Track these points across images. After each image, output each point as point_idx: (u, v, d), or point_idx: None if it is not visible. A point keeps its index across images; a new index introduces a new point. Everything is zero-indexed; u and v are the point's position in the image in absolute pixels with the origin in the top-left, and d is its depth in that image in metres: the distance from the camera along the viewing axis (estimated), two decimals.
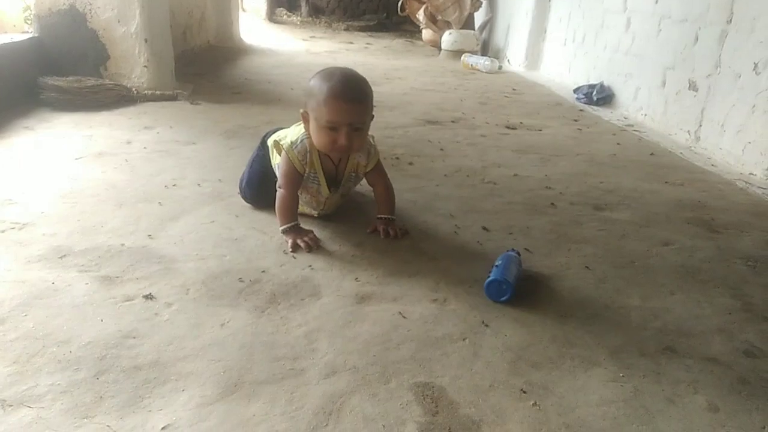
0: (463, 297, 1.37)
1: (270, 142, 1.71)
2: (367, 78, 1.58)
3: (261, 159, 1.75)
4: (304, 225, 1.61)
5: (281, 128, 1.77)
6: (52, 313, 1.18)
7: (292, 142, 1.59)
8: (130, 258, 1.42)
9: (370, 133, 1.66)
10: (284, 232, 1.57)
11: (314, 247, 1.54)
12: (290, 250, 1.52)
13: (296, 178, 1.59)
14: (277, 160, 1.66)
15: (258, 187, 1.75)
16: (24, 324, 1.13)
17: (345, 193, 1.73)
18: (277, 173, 1.66)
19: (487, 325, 1.26)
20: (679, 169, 2.55)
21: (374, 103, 1.58)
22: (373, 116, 1.59)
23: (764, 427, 1.03)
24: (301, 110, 1.57)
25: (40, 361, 1.03)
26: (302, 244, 1.53)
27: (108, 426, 0.90)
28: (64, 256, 1.41)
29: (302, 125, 1.61)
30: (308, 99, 1.53)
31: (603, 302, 1.40)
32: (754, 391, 1.12)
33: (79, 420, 0.91)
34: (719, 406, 1.07)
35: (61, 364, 1.03)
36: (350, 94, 1.49)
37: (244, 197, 1.79)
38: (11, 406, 0.92)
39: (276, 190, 1.62)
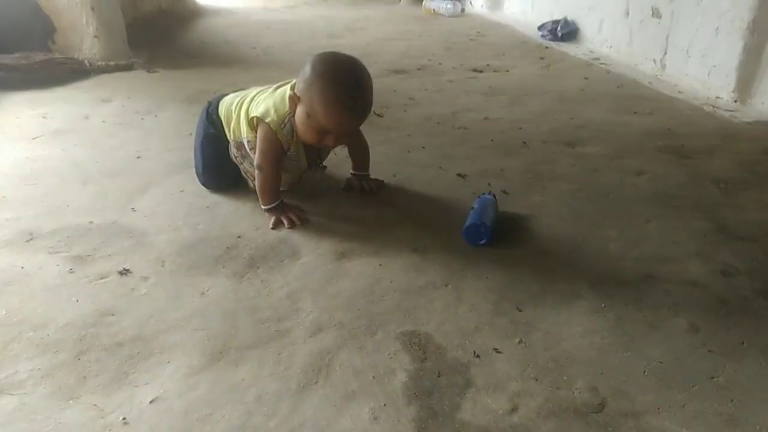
0: (443, 244, 1.36)
1: (235, 112, 1.53)
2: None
3: (212, 139, 1.58)
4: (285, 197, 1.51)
5: (225, 95, 1.61)
6: (25, 297, 1.14)
7: (279, 122, 1.42)
8: (101, 235, 1.38)
9: None
10: (268, 211, 1.47)
11: (298, 222, 1.44)
12: (271, 227, 1.43)
13: (280, 156, 1.46)
14: (247, 136, 1.49)
15: (218, 170, 1.60)
16: None
17: (322, 160, 1.64)
18: (235, 151, 1.54)
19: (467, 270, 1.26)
20: (646, 99, 2.55)
21: None
22: None
23: (743, 343, 1.05)
24: (290, 92, 1.40)
25: (18, 348, 1.01)
26: (285, 221, 1.44)
27: (95, 405, 0.89)
28: (32, 239, 1.36)
29: (265, 92, 1.51)
30: (305, 88, 1.35)
31: (581, 236, 1.41)
32: (732, 309, 1.15)
33: (65, 402, 0.89)
34: (700, 327, 1.09)
35: (39, 349, 1.00)
36: (359, 109, 1.37)
37: (204, 183, 1.63)
38: None
39: (238, 169, 1.54)
